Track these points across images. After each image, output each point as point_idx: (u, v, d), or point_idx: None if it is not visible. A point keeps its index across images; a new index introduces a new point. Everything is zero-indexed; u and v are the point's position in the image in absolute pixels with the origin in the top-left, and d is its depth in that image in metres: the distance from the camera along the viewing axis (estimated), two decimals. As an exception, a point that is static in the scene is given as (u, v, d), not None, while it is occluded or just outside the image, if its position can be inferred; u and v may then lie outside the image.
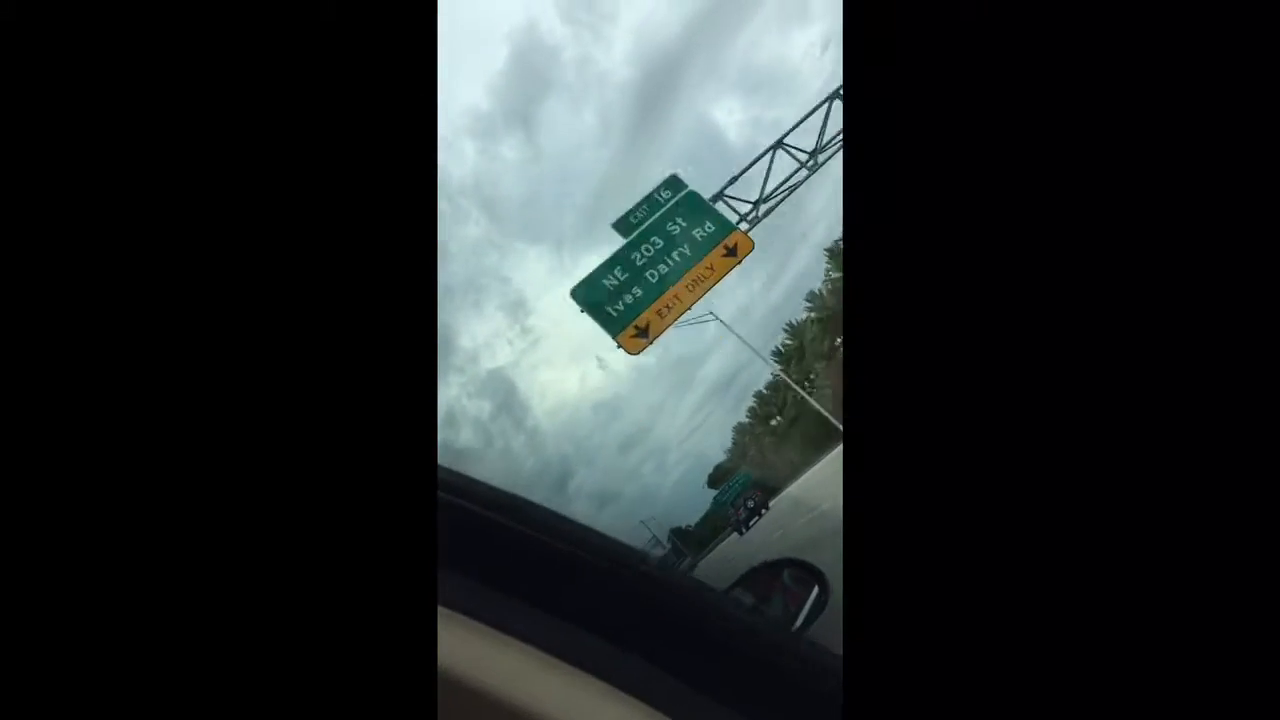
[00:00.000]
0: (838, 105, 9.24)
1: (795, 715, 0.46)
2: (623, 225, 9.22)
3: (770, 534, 21.06)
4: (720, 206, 9.29)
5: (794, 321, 51.63)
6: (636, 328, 8.71)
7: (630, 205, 9.00)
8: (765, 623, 0.93)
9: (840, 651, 0.44)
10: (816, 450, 41.81)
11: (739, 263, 8.98)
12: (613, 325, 8.73)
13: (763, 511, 36.74)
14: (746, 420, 69.75)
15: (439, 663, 0.43)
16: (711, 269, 8.87)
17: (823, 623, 1.36)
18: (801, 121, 9.86)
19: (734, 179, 9.57)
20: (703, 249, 8.92)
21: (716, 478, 68.95)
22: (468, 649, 0.45)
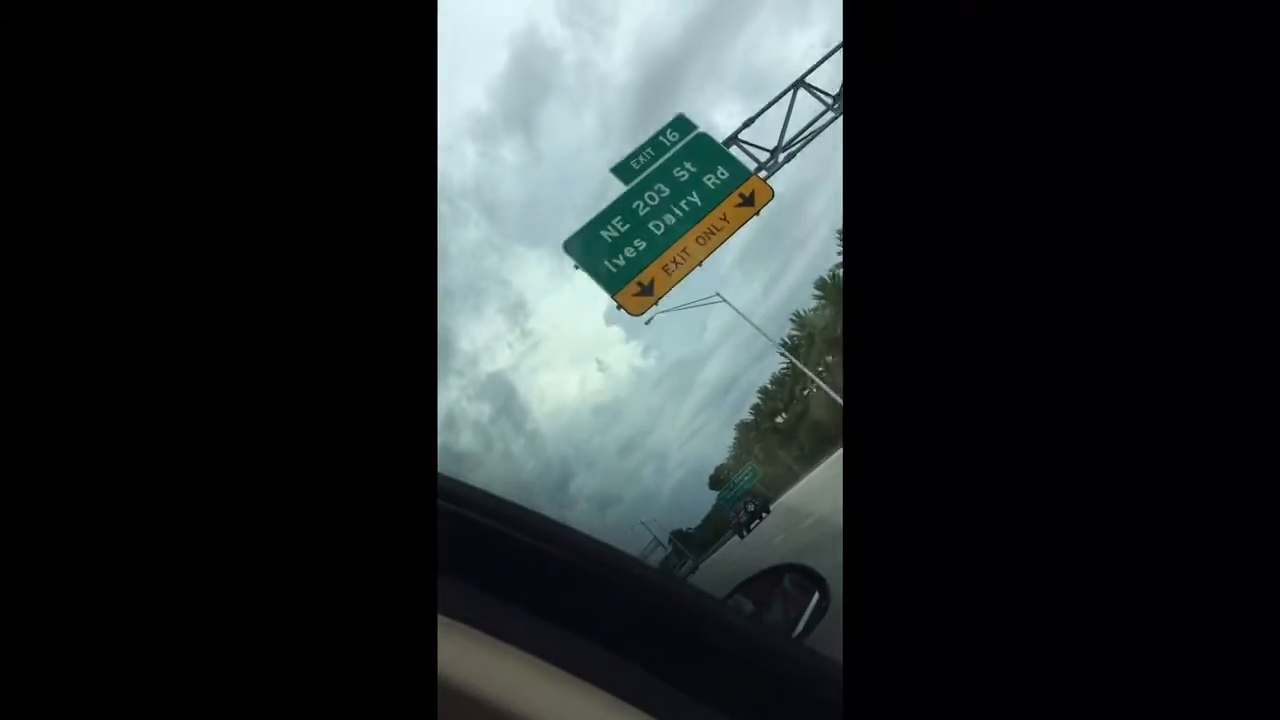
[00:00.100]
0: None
1: None
2: (623, 171, 8.02)
3: (772, 538, 20.74)
4: (734, 153, 8.15)
5: (802, 311, 50.13)
6: (640, 285, 7.43)
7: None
8: (765, 630, 0.88)
9: (840, 658, 0.44)
10: (828, 445, 40.73)
11: (756, 213, 7.80)
12: (612, 282, 7.45)
13: (763, 515, 35.87)
14: (750, 417, 68.32)
15: (438, 671, 0.43)
16: (725, 220, 7.68)
17: (824, 628, 1.33)
18: (825, 59, 8.73)
19: (749, 121, 8.34)
20: (715, 198, 7.69)
21: (718, 479, 67.80)
22: (467, 657, 0.45)
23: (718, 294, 18.47)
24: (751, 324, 20.60)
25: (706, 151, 7.96)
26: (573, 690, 0.44)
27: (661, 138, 8.11)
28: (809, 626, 1.37)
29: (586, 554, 0.48)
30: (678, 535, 71.56)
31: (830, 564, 1.06)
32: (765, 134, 8.37)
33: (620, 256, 7.54)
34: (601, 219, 7.70)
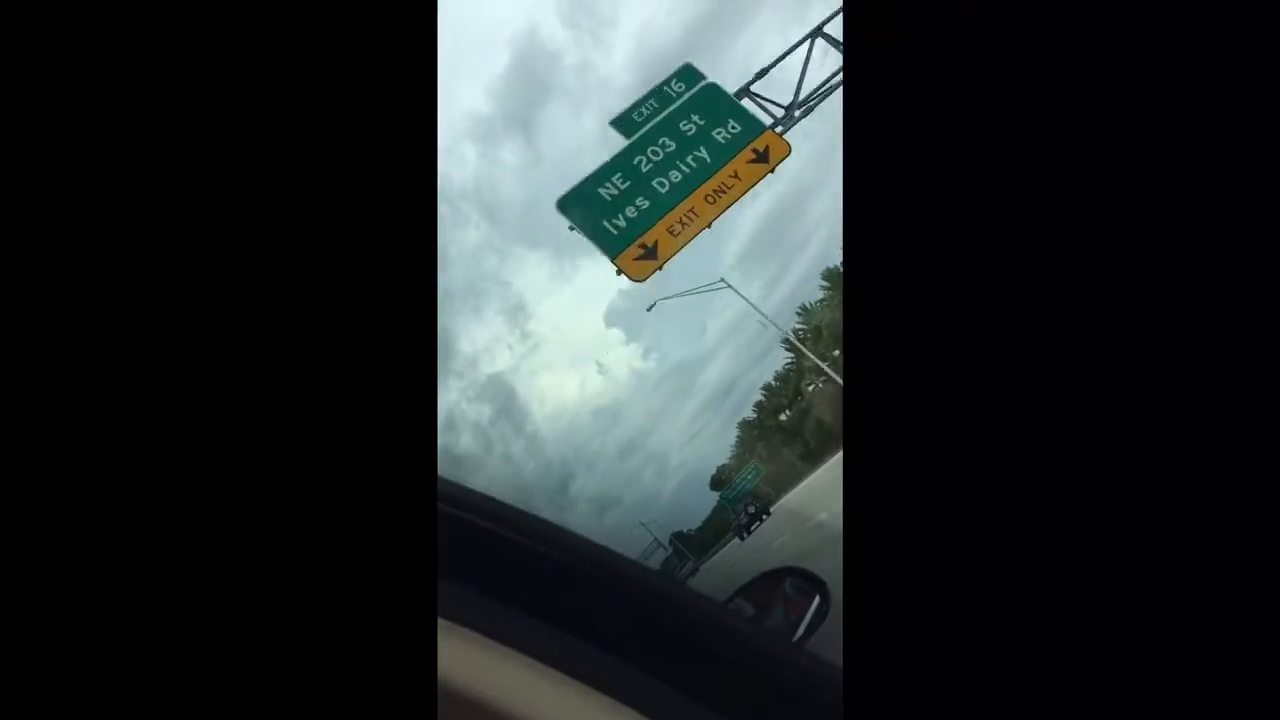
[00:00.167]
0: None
1: None
2: (624, 123, 7.25)
3: (773, 540, 20.80)
4: (747, 106, 7.38)
5: (808, 304, 48.79)
6: (643, 247, 6.61)
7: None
8: (764, 634, 0.88)
9: (840, 663, 0.45)
10: (833, 442, 39.89)
11: (771, 170, 7.05)
12: (612, 244, 6.62)
13: (764, 517, 35.18)
14: (753, 415, 67.11)
15: (438, 674, 0.43)
16: (737, 177, 6.91)
17: (825, 632, 1.31)
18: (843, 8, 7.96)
19: (763, 72, 7.61)
20: (725, 153, 6.90)
21: (720, 479, 66.91)
22: (467, 660, 0.45)
23: (723, 280, 17.70)
24: (759, 311, 19.77)
25: (716, 104, 7.17)
26: (572, 693, 0.45)
27: (666, 88, 7.31)
28: (810, 630, 1.35)
29: (586, 557, 0.48)
30: (678, 537, 70.78)
31: (831, 567, 1.01)
32: (779, 90, 7.61)
33: (620, 216, 6.70)
34: (600, 175, 6.89)
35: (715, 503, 67.59)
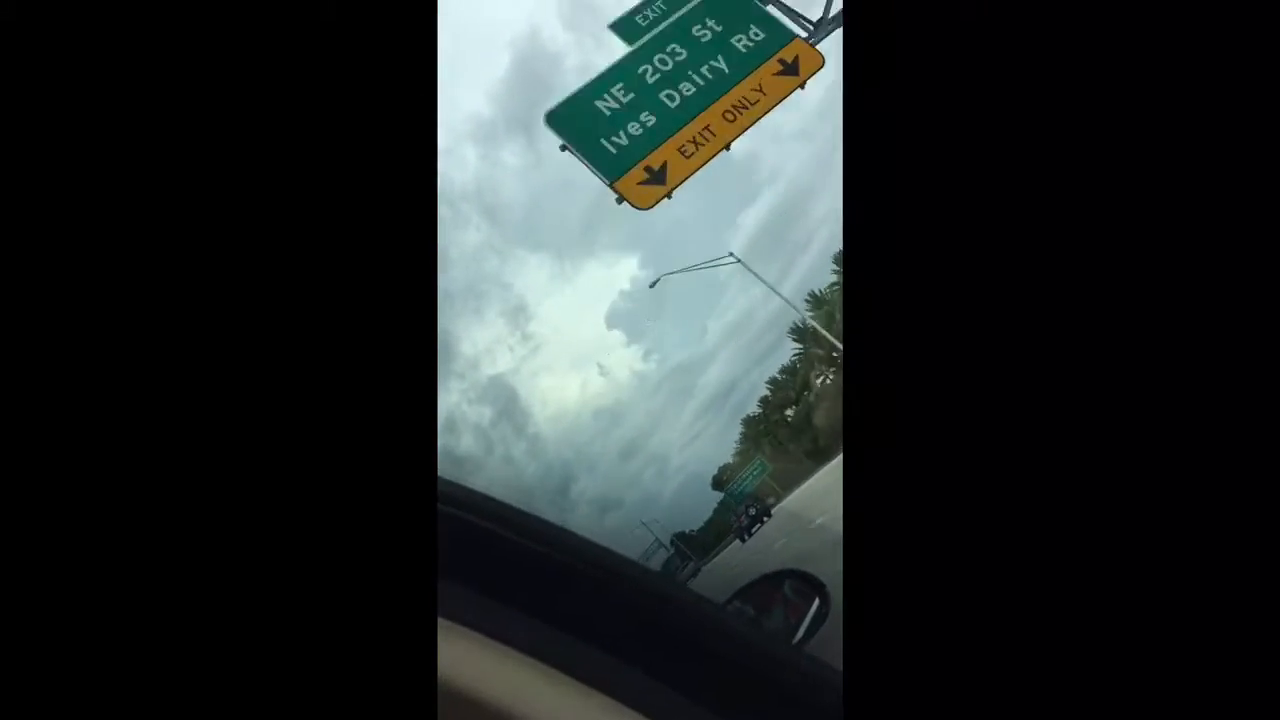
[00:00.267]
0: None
1: None
2: (626, 27, 6.18)
3: (773, 542, 20.53)
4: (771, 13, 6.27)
5: (818, 290, 46.84)
6: (648, 170, 5.47)
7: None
8: (764, 636, 0.87)
9: (840, 665, 0.45)
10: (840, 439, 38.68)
11: (801, 85, 5.95)
12: (611, 165, 5.47)
13: (765, 519, 34.21)
14: (758, 410, 65.35)
15: (438, 674, 0.42)
16: (761, 91, 5.80)
17: (824, 635, 1.31)
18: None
19: (789, -21, 6.54)
20: (748, 64, 5.80)
21: (722, 479, 65.63)
22: (467, 660, 0.44)
23: (731, 254, 16.50)
24: (772, 289, 18.48)
25: (736, 7, 6.05)
26: (573, 694, 0.44)
27: (677, -13, 6.19)
28: (809, 633, 1.35)
29: (586, 558, 0.48)
30: (680, 538, 69.67)
31: (832, 570, 0.98)
32: (805, 4, 6.51)
33: (621, 133, 5.55)
34: (597, 86, 5.74)
35: (716, 504, 66.65)
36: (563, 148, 5.60)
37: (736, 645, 0.48)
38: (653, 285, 19.18)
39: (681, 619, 0.47)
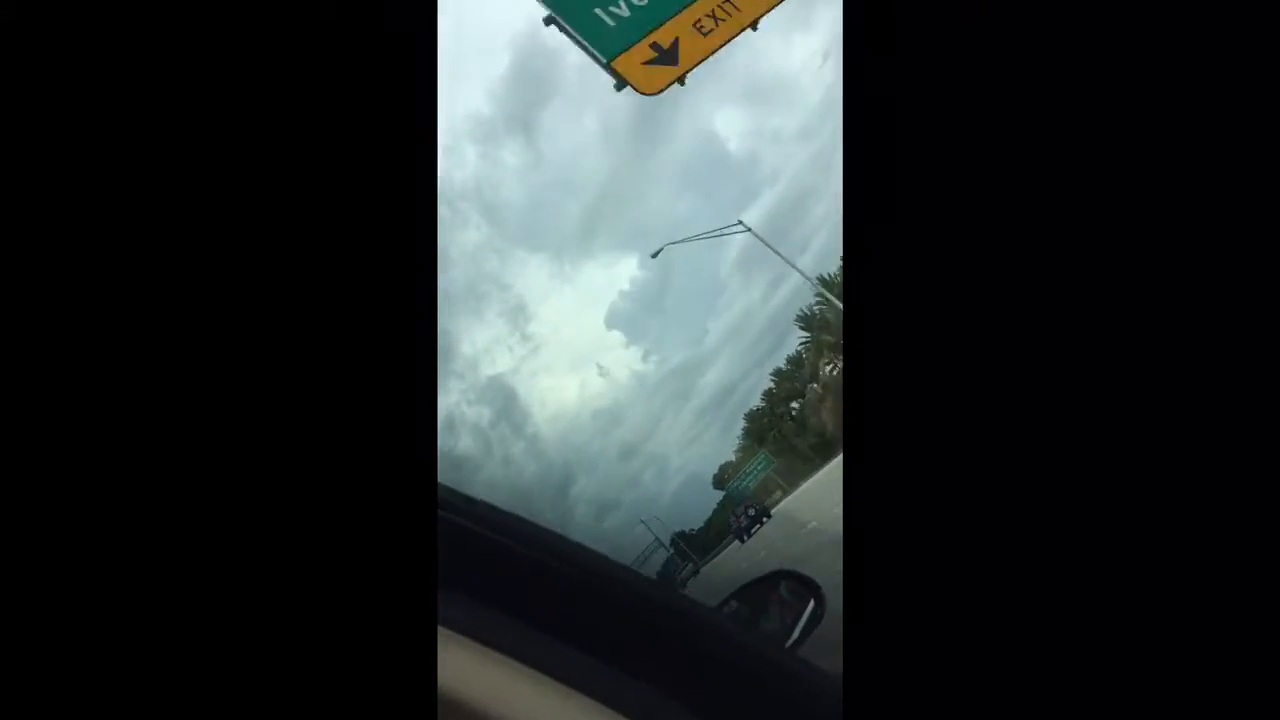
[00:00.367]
0: None
1: None
2: None
3: (774, 543, 20.35)
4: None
5: (827, 275, 45.60)
6: (655, 47, 4.08)
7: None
8: (761, 641, 0.90)
9: (836, 669, 0.45)
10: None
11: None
12: (609, 41, 4.07)
13: (763, 520, 34.22)
14: (761, 404, 64.63)
15: (438, 683, 0.42)
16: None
17: (821, 636, 1.29)
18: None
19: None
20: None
21: (723, 479, 65.44)
22: (466, 668, 0.44)
23: (740, 221, 15.66)
24: (787, 261, 17.80)
25: None
26: (572, 700, 0.44)
27: None
28: (804, 634, 1.34)
29: (584, 564, 0.48)
30: (680, 538, 69.61)
31: (832, 571, 0.99)
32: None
33: (621, 3, 4.17)
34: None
35: (716, 505, 66.51)
36: (548, 20, 4.20)
37: (732, 649, 0.48)
38: (655, 255, 18.62)
39: (678, 623, 0.47)
